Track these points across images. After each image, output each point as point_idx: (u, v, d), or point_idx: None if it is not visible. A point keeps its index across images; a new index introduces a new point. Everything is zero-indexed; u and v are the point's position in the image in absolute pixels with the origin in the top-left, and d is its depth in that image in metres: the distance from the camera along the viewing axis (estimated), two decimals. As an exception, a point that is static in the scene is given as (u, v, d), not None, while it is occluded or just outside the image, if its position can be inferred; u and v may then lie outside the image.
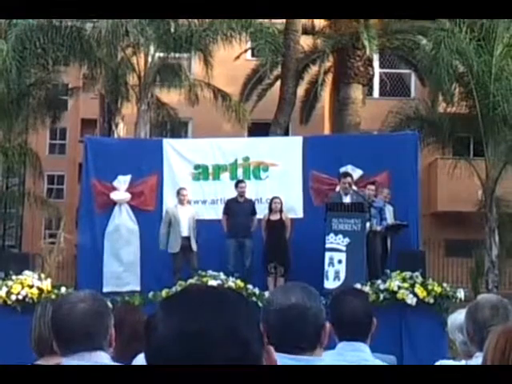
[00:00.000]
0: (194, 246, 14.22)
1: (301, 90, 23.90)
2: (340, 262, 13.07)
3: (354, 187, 14.23)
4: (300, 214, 15.11)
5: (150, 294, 12.80)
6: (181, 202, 14.59)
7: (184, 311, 1.48)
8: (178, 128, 25.25)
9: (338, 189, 14.37)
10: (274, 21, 20.58)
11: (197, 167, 15.57)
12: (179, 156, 15.64)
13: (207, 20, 19.95)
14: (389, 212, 14.32)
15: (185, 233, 14.28)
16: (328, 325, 2.85)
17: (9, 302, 12.84)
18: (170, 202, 15.36)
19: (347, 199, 13.82)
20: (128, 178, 15.30)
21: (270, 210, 14.40)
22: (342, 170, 14.69)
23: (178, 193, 14.64)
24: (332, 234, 13.23)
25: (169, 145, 15.94)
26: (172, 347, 1.45)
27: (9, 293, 12.85)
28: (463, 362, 3.76)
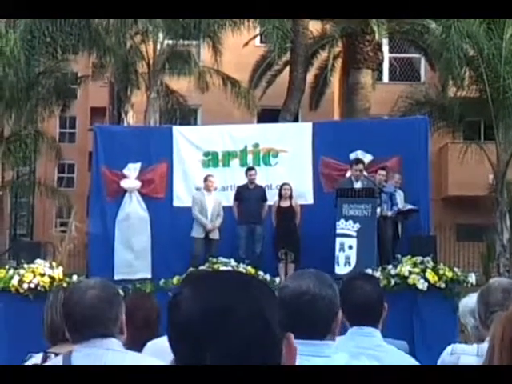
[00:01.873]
0: (215, 234, 14.23)
1: (310, 76, 23.84)
2: (351, 247, 13.07)
3: (365, 173, 14.21)
4: (310, 200, 15.09)
5: (162, 282, 12.83)
6: (208, 188, 14.56)
7: (210, 289, 1.52)
8: (187, 115, 25.25)
9: (348, 174, 14.35)
10: (282, 6, 20.50)
11: (206, 154, 15.56)
12: (189, 143, 15.63)
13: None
14: (399, 197, 14.29)
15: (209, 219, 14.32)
16: (340, 314, 2.84)
17: (21, 291, 12.88)
18: (179, 189, 15.38)
19: (358, 185, 13.81)
20: (138, 165, 15.30)
21: (280, 196, 14.40)
22: (352, 155, 14.66)
23: (206, 179, 14.62)
24: (342, 220, 13.22)
25: (178, 132, 15.92)
26: (197, 322, 1.48)
27: (21, 281, 12.90)
28: (475, 346, 3.76)
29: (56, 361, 2.99)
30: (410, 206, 14.22)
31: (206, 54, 23.38)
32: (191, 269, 12.41)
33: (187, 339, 1.48)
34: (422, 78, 27.83)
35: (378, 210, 13.56)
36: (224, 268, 12.51)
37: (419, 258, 12.50)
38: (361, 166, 13.96)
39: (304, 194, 15.04)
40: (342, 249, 13.11)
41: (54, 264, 13.59)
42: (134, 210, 15.20)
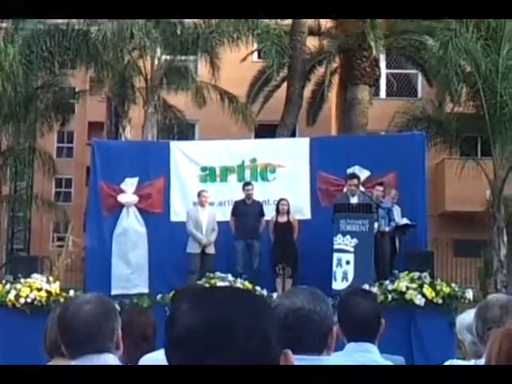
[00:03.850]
0: (211, 250, 14.19)
1: (307, 91, 23.91)
2: (348, 262, 13.05)
3: (362, 188, 14.21)
4: (308, 215, 15.10)
5: (159, 296, 12.80)
6: (201, 203, 14.56)
7: (209, 304, 1.51)
8: (185, 130, 25.27)
9: (345, 190, 14.36)
10: (280, 22, 20.60)
11: (204, 169, 15.58)
12: (186, 158, 15.64)
13: (213, 22, 19.97)
14: (397, 212, 14.29)
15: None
16: (335, 329, 2.85)
17: (17, 305, 12.84)
18: (177, 204, 15.38)
19: (354, 200, 13.81)
20: (135, 180, 15.31)
21: (278, 211, 14.40)
22: (350, 170, 14.67)
23: (199, 194, 14.62)
24: (340, 235, 13.21)
25: (176, 147, 15.94)
26: (195, 337, 1.47)
27: (17, 296, 12.86)
28: (472, 362, 3.75)
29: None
30: (406, 221, 14.21)
31: (203, 69, 23.44)
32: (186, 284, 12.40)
33: (185, 354, 1.48)
34: (419, 94, 27.89)
35: (376, 225, 13.56)
36: (221, 283, 12.51)
37: (416, 274, 12.49)
38: (355, 181, 13.97)
39: (301, 209, 15.04)
40: (339, 264, 13.09)
41: (50, 279, 13.55)
42: (131, 224, 15.19)
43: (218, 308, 1.49)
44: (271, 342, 1.50)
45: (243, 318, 1.48)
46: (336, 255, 13.17)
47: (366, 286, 11.43)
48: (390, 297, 12.20)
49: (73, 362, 2.88)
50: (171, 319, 1.53)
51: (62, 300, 12.35)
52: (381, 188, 14.38)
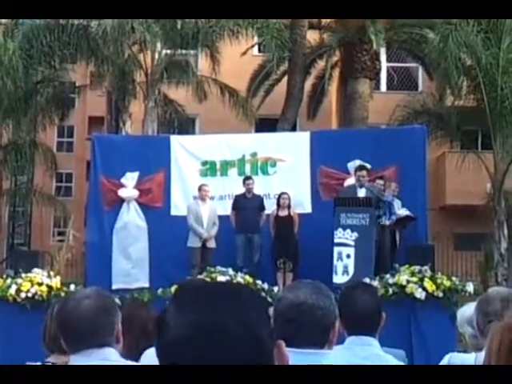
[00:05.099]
0: (211, 243, 14.19)
1: (308, 85, 23.89)
2: (349, 256, 13.06)
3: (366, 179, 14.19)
4: (308, 209, 15.10)
5: (159, 291, 12.81)
6: (202, 197, 14.55)
7: (198, 305, 1.48)
8: (185, 124, 25.24)
9: (352, 181, 14.29)
10: (280, 16, 20.57)
11: (204, 163, 15.57)
12: (187, 152, 15.64)
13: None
14: (397, 206, 14.28)
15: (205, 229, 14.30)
16: (337, 324, 2.85)
17: (18, 300, 12.85)
18: (177, 198, 15.38)
19: (362, 192, 13.78)
20: (136, 174, 15.30)
21: (278, 205, 14.40)
22: (350, 164, 14.67)
23: (200, 189, 14.61)
24: (340, 229, 13.21)
25: (176, 141, 15.93)
26: (186, 341, 1.44)
27: (18, 290, 12.87)
28: (473, 355, 3.75)
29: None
30: (404, 210, 14.17)
31: (203, 64, 23.42)
32: (188, 277, 12.42)
33: (175, 360, 1.45)
34: (420, 88, 27.86)
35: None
36: (222, 277, 12.52)
37: (417, 267, 12.49)
38: (364, 173, 13.93)
39: (302, 202, 15.04)
40: (339, 258, 13.10)
41: (51, 273, 13.56)
42: (131, 219, 15.20)
43: (207, 312, 1.45)
44: (264, 341, 1.47)
45: (233, 320, 1.44)
46: (336, 249, 13.17)
47: (367, 280, 11.42)
48: (390, 290, 12.20)
49: (73, 357, 2.88)
50: (159, 325, 1.50)
51: (62, 295, 12.34)
52: (381, 182, 14.36)
